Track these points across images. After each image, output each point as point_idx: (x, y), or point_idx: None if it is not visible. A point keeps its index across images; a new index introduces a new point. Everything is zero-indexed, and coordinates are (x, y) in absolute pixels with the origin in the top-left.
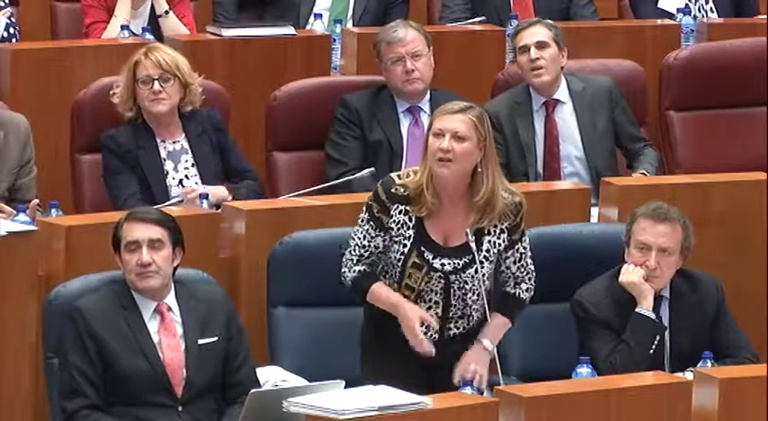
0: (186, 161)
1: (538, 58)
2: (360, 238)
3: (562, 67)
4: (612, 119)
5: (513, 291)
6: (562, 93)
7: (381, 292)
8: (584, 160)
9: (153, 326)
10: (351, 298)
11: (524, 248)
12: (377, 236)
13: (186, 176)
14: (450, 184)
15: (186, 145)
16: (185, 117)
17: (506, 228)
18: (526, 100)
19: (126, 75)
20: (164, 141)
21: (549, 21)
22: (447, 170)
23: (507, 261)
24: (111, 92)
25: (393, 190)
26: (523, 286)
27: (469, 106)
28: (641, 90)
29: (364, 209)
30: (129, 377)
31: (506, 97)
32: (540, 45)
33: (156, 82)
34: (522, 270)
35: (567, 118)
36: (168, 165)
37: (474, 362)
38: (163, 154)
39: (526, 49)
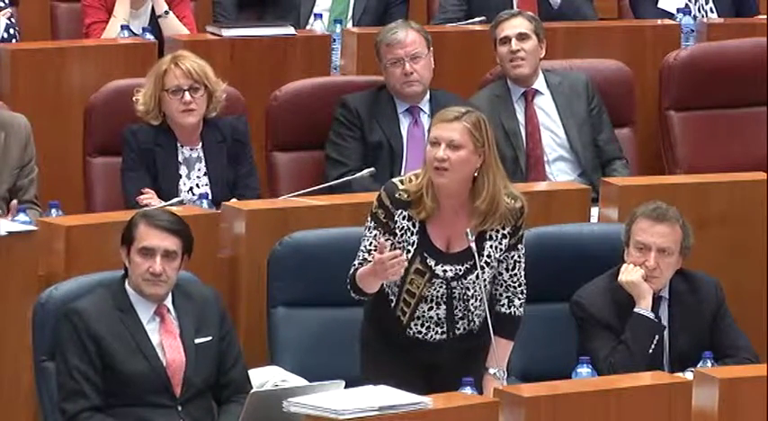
0: (199, 170)
1: (518, 50)
2: (366, 245)
3: (540, 59)
4: (590, 111)
5: (507, 310)
6: (540, 84)
7: (359, 272)
8: (566, 146)
9: (152, 327)
10: (351, 298)
11: (519, 258)
12: (386, 240)
13: (197, 185)
14: (450, 192)
15: (202, 154)
16: (207, 124)
17: (508, 233)
18: (505, 92)
19: (153, 83)
20: (182, 146)
21: (529, 13)
22: (444, 179)
23: (500, 266)
24: (134, 98)
25: (397, 195)
26: (516, 302)
27: (466, 112)
28: (628, 90)
29: (370, 216)
30: (128, 378)
31: (485, 92)
32: (521, 37)
33: (187, 93)
34: (515, 280)
35: (546, 106)
36: (183, 170)
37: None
38: (180, 158)
39: (507, 40)
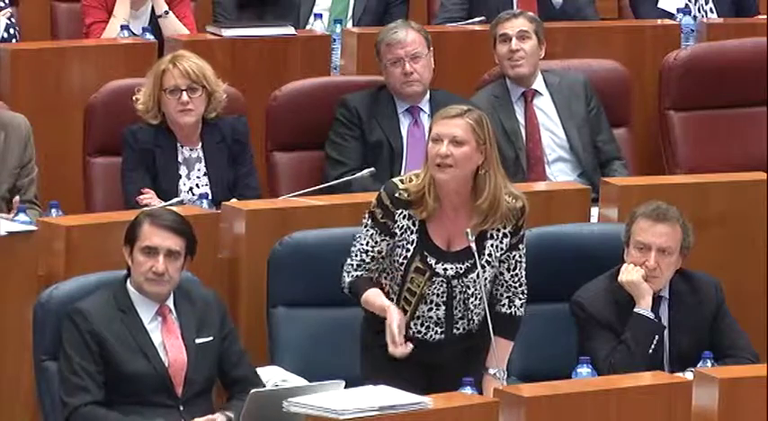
0: (199, 170)
1: (518, 50)
2: (363, 244)
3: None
4: (588, 111)
5: (508, 310)
6: (539, 84)
7: (369, 299)
8: (566, 147)
9: (154, 327)
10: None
11: (520, 257)
12: (382, 240)
13: (197, 185)
14: (451, 189)
15: (202, 154)
16: (208, 124)
17: (509, 232)
18: (504, 93)
19: (151, 83)
20: (182, 146)
21: (530, 13)
22: (446, 175)
23: (501, 266)
24: (134, 97)
25: (397, 195)
26: (517, 302)
27: (468, 109)
28: (624, 90)
29: (368, 215)
30: (131, 378)
31: (484, 93)
32: (522, 36)
33: (185, 93)
34: (516, 280)
35: (545, 107)
36: (182, 171)
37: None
38: (179, 158)
39: (507, 38)
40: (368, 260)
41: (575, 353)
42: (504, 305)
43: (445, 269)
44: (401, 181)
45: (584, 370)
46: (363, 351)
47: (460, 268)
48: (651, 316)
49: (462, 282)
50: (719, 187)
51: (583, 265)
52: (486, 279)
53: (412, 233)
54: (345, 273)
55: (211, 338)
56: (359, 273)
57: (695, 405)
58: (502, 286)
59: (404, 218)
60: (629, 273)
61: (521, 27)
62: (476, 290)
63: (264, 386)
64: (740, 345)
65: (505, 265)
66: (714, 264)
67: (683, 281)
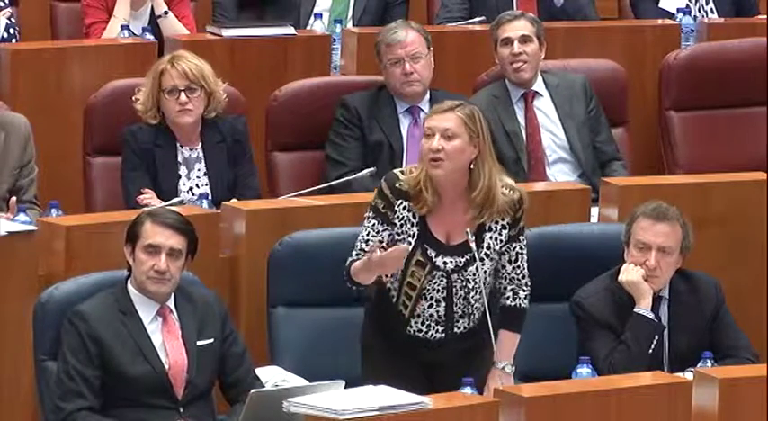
0: (199, 170)
1: (520, 53)
2: (364, 235)
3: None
4: (588, 112)
5: (513, 303)
6: (539, 86)
7: (355, 267)
8: (566, 148)
9: (155, 328)
10: (351, 298)
11: (521, 249)
12: (384, 230)
13: (197, 185)
14: (447, 183)
15: (202, 154)
16: (207, 124)
17: (507, 224)
18: (504, 93)
19: (150, 83)
20: (182, 146)
21: (531, 15)
22: (440, 170)
23: (503, 258)
24: (134, 97)
25: (397, 185)
26: (521, 294)
27: (459, 104)
28: (621, 90)
29: (369, 207)
30: (131, 380)
31: (484, 93)
32: (524, 39)
33: (183, 93)
34: (518, 272)
35: (545, 108)
36: (182, 170)
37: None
38: (179, 158)
39: (509, 41)
40: (367, 249)
41: (575, 353)
42: (508, 298)
43: (445, 263)
44: (402, 172)
45: (584, 370)
46: (363, 351)
47: (460, 261)
48: (651, 316)
49: (462, 275)
50: (719, 187)
51: (583, 265)
52: (485, 272)
53: (413, 226)
54: (345, 267)
55: (212, 340)
56: (354, 258)
57: (695, 405)
58: (505, 279)
59: (404, 209)
60: (629, 273)
61: (522, 31)
62: (476, 284)
63: (264, 387)
64: (740, 345)
65: (506, 257)
66: (714, 264)
67: (683, 281)
